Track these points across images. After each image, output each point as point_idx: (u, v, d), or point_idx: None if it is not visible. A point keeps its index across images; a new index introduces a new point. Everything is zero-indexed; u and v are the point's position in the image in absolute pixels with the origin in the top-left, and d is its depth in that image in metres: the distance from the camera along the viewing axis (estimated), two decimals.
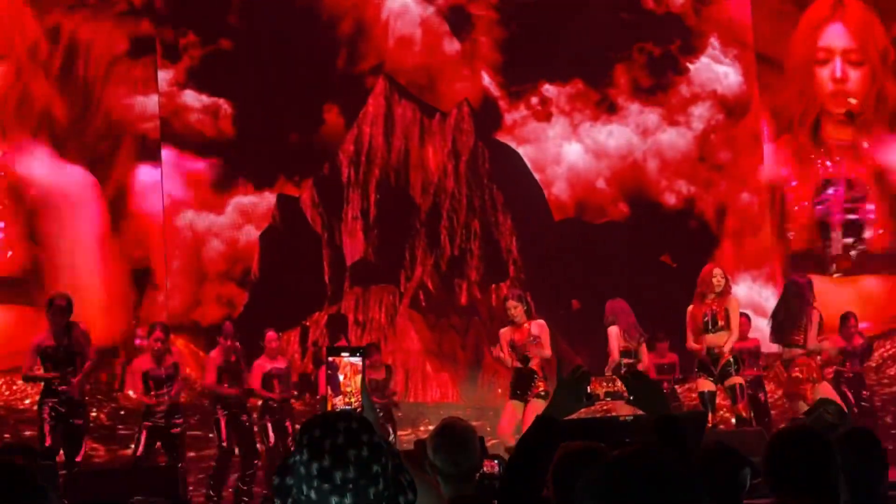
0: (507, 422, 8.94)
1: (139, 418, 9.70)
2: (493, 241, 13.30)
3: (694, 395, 10.09)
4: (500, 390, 12.66)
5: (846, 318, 10.85)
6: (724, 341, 8.92)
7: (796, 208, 13.36)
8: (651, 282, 12.78)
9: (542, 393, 8.68)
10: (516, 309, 8.94)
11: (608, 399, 9.59)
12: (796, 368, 8.97)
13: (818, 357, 9.14)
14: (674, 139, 13.49)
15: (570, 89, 13.50)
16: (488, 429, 11.40)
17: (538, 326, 8.97)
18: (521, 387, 8.92)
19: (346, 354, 2.95)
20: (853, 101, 13.25)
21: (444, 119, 13.50)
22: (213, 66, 12.77)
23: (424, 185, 13.37)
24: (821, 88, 13.37)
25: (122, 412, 11.69)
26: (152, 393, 9.37)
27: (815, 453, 2.74)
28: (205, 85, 12.75)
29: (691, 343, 9.16)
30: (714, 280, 8.91)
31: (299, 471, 1.90)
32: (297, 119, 13.03)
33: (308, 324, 12.60)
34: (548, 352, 8.99)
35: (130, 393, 10.88)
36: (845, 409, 8.53)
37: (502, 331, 9.12)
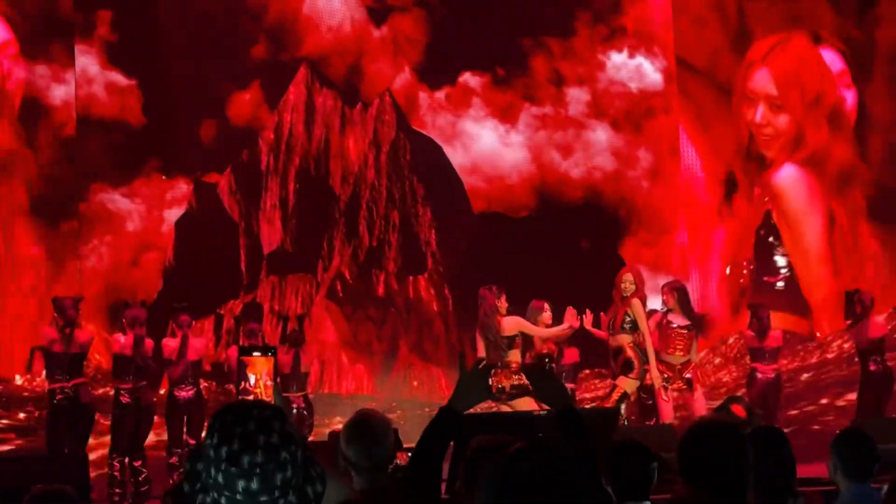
0: None
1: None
2: (412, 233, 13.28)
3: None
4: (415, 383, 12.67)
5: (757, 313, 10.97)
6: (625, 343, 9.11)
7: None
8: (568, 276, 12.87)
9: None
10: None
11: (514, 392, 9.64)
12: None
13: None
14: (593, 132, 13.60)
15: (490, 80, 13.52)
16: (402, 421, 11.39)
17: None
18: None
19: (258, 354, 2.92)
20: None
21: (365, 109, 13.43)
22: (129, 46, 12.51)
23: (344, 174, 13.29)
24: (745, 122, 13.53)
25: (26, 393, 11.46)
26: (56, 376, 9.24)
27: (729, 446, 2.79)
28: (121, 65, 12.49)
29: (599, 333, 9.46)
30: (623, 284, 9.14)
31: (209, 454, 1.88)
32: (216, 105, 12.85)
33: (222, 312, 12.44)
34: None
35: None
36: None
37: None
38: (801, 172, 13.38)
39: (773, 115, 13.40)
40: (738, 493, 2.71)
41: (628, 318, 9.22)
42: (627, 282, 9.25)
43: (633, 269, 9.79)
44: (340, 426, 4.10)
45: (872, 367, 10.62)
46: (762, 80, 13.47)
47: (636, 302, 9.26)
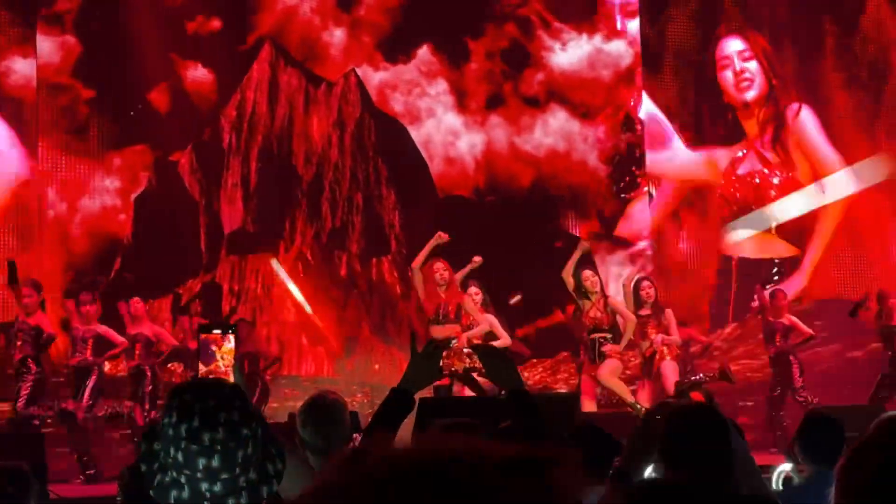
0: None
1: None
2: (376, 215, 13.15)
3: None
4: (376, 366, 12.57)
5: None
6: (455, 333, 9.10)
7: None
8: (535, 262, 12.84)
9: None
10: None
11: (466, 374, 9.63)
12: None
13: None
14: (557, 118, 13.54)
15: (460, 63, 13.42)
16: (363, 402, 11.30)
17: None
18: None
19: (218, 332, 2.92)
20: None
21: (329, 88, 13.27)
22: (86, 21, 12.25)
23: (308, 154, 13.12)
24: (725, 87, 13.88)
25: None
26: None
27: (712, 431, 2.78)
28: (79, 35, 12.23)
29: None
30: (436, 275, 9.16)
31: (167, 433, 1.86)
32: (177, 82, 12.62)
33: (181, 291, 12.24)
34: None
35: None
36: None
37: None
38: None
39: (746, 62, 14.00)
40: (721, 477, 2.69)
41: (458, 310, 9.41)
42: (440, 270, 9.39)
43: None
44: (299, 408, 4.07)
45: None
46: (732, 44, 14.08)
47: (466, 295, 9.52)
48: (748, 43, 14.12)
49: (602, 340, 9.40)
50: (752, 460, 3.20)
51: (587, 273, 9.49)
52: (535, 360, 12.79)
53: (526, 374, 12.58)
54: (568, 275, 9.48)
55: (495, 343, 9.14)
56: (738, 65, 14.01)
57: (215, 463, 1.84)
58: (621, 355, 9.50)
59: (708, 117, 13.98)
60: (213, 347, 2.91)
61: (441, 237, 9.41)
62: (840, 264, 13.88)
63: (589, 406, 9.39)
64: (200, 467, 1.84)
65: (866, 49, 14.55)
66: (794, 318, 11.50)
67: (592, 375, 9.47)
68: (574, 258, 9.53)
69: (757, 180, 13.95)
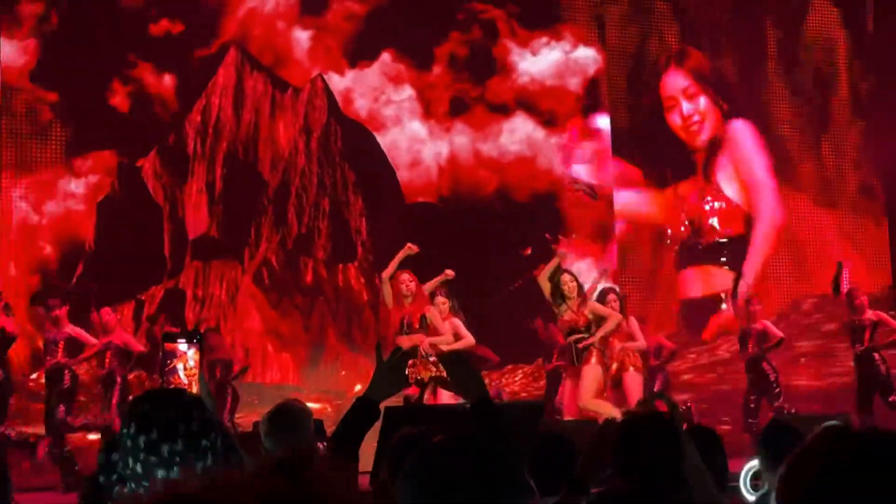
0: None
1: None
2: (343, 221, 13.08)
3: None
4: (343, 372, 12.48)
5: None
6: (418, 342, 9.07)
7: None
8: (503, 269, 12.82)
9: None
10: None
11: (433, 384, 9.61)
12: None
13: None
14: (522, 125, 13.53)
15: (425, 69, 13.38)
16: (329, 410, 11.21)
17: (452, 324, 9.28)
18: None
19: (183, 341, 2.90)
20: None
21: (296, 94, 13.19)
22: (48, 24, 12.12)
23: (274, 160, 13.03)
24: (676, 130, 13.93)
25: None
26: None
27: (663, 438, 2.78)
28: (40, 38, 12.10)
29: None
30: (402, 286, 9.14)
31: (126, 444, 1.83)
32: (140, 87, 12.49)
33: (143, 298, 12.10)
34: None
35: None
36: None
37: None
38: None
39: (693, 102, 13.86)
40: (673, 484, 2.70)
41: (423, 320, 9.38)
42: (406, 282, 9.32)
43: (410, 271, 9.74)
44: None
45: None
46: (675, 82, 13.95)
47: (432, 307, 9.47)
48: (690, 74, 13.96)
49: (579, 340, 9.37)
50: (704, 470, 3.20)
51: (566, 277, 9.46)
52: (511, 366, 12.76)
53: (504, 380, 12.56)
54: (544, 279, 9.46)
55: (458, 343, 9.17)
56: (685, 107, 13.87)
57: (174, 475, 1.83)
58: (600, 353, 9.43)
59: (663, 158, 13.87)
60: (176, 357, 2.86)
61: (411, 249, 9.37)
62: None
63: (571, 413, 9.34)
64: (159, 479, 1.83)
65: (811, 56, 14.54)
66: (767, 322, 11.58)
67: (575, 382, 9.39)
68: (551, 264, 9.53)
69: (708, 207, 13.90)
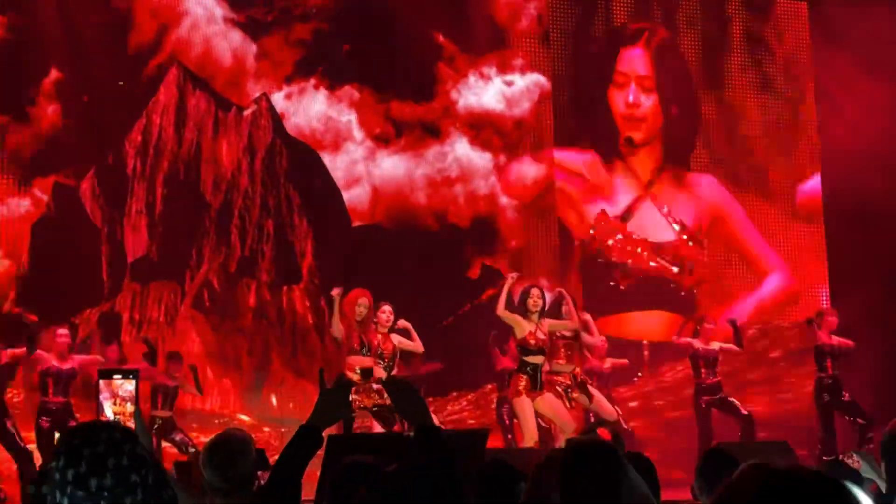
0: None
1: None
2: (287, 243, 12.79)
3: None
4: (291, 405, 12.10)
5: None
6: (370, 365, 8.84)
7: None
8: (448, 294, 12.62)
9: None
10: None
11: (376, 411, 9.32)
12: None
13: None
14: (463, 149, 13.37)
15: (367, 91, 13.18)
16: (271, 438, 10.90)
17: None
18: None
19: (119, 377, 2.89)
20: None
21: (240, 113, 12.91)
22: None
23: (216, 181, 12.74)
24: (616, 111, 13.70)
25: None
26: None
27: (605, 466, 2.77)
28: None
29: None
30: (357, 308, 8.90)
31: (55, 477, 1.83)
32: (77, 104, 12.13)
33: (77, 321, 11.68)
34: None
35: None
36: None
37: None
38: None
39: (643, 96, 13.67)
40: None
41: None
42: (362, 305, 9.00)
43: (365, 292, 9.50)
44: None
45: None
46: (634, 61, 13.73)
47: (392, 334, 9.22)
48: (652, 65, 13.79)
49: (538, 366, 9.11)
50: (650, 498, 3.12)
51: (535, 291, 9.20)
52: (456, 393, 12.54)
53: (448, 409, 12.32)
54: (502, 310, 9.09)
55: (409, 347, 9.07)
56: (632, 95, 13.67)
57: None
58: (556, 375, 9.21)
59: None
60: (108, 394, 2.81)
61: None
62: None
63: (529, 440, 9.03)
64: None
65: (782, 47, 14.35)
66: (723, 344, 11.13)
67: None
68: (503, 292, 9.21)
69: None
